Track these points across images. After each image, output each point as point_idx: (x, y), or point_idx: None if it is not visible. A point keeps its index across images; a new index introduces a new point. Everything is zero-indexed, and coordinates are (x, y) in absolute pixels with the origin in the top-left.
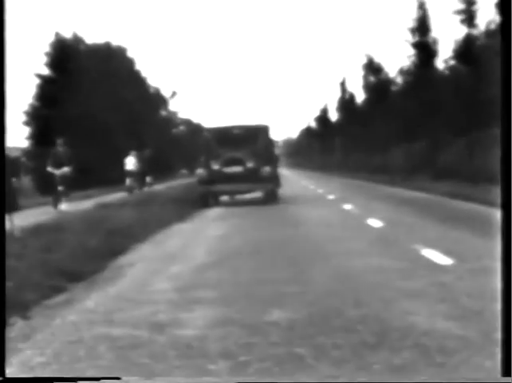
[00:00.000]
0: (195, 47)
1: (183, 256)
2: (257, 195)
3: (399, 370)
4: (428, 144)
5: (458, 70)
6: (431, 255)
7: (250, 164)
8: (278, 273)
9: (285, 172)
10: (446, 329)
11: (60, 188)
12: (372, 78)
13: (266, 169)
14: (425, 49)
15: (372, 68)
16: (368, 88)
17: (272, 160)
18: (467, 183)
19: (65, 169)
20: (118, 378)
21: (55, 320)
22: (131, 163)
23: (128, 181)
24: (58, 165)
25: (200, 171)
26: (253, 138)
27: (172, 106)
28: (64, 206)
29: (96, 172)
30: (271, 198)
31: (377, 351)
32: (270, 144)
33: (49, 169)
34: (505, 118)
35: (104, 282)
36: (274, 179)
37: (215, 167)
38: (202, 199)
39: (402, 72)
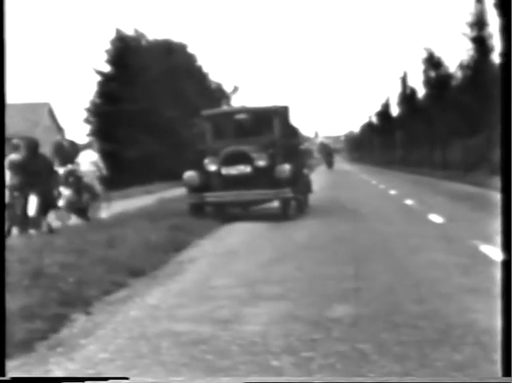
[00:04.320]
0: (259, 43)
1: (247, 252)
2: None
3: (460, 367)
4: (486, 139)
5: None
6: (489, 252)
7: (260, 162)
8: (341, 268)
9: (346, 167)
10: None
11: (84, 195)
12: (432, 73)
13: (284, 168)
14: (483, 43)
15: (432, 62)
16: (429, 82)
17: (294, 156)
18: None
19: (70, 166)
20: (126, 378)
21: (117, 316)
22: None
23: None
24: (64, 162)
25: (190, 173)
26: (266, 124)
27: (234, 101)
28: (103, 213)
29: (159, 168)
30: (290, 210)
31: (439, 348)
32: (293, 132)
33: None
34: (505, 117)
35: (166, 277)
36: (298, 183)
37: (212, 167)
38: (194, 212)
39: (461, 66)
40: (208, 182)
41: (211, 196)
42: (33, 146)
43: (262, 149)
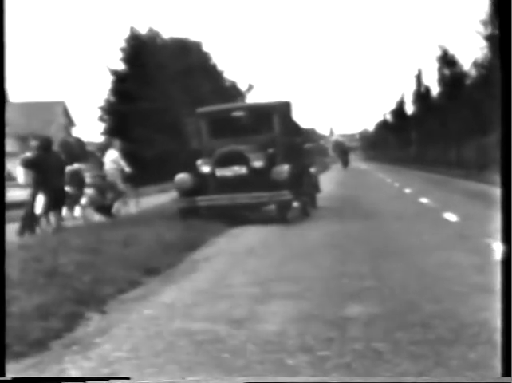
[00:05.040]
0: (274, 41)
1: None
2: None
3: (474, 366)
4: (500, 137)
5: None
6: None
7: (256, 163)
8: (355, 266)
9: (361, 165)
10: None
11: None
12: (446, 71)
13: (282, 169)
14: (496, 42)
15: (447, 60)
16: (443, 81)
17: (297, 155)
18: None
19: (76, 166)
20: (127, 378)
21: (132, 314)
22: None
23: None
24: (71, 160)
25: (181, 176)
26: (265, 122)
27: (249, 99)
28: (132, 208)
29: (174, 166)
30: (290, 213)
31: (454, 346)
32: (295, 129)
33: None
34: (505, 117)
35: (181, 275)
36: (301, 184)
37: (205, 168)
38: (185, 217)
39: (476, 65)
40: (201, 185)
41: (203, 200)
42: (46, 144)
43: (261, 149)
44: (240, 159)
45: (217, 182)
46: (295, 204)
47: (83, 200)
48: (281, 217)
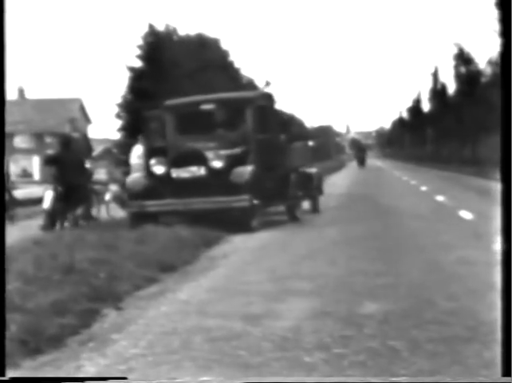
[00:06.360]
0: (291, 39)
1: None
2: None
3: (490, 364)
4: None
5: None
6: None
7: (216, 163)
8: (370, 264)
9: (377, 163)
10: None
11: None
12: (462, 69)
13: (243, 170)
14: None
15: (463, 58)
16: (459, 78)
17: (280, 154)
18: None
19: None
20: (124, 378)
21: (148, 311)
22: None
23: None
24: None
25: (134, 177)
26: (237, 117)
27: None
28: None
29: None
30: (255, 222)
31: (470, 344)
32: (276, 125)
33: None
34: (505, 117)
35: (197, 272)
36: (274, 189)
37: (158, 169)
38: (135, 223)
39: (491, 62)
40: (155, 187)
41: (154, 205)
42: (65, 142)
43: (229, 147)
44: (198, 158)
45: (173, 184)
46: (292, 207)
47: (107, 196)
48: (245, 223)
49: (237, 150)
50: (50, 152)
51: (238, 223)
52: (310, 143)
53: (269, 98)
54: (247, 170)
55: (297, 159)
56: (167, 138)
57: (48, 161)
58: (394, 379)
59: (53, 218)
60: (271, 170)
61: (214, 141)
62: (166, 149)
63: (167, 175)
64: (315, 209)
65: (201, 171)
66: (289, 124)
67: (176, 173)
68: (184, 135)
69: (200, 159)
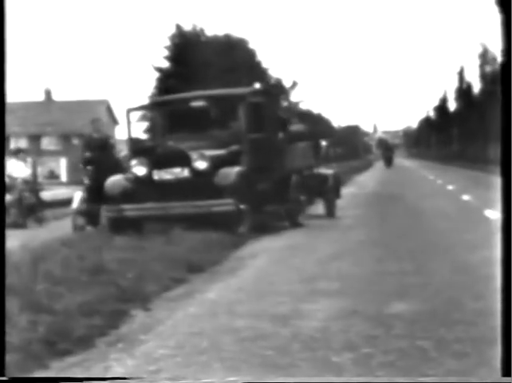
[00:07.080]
0: (318, 39)
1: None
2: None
3: None
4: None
5: None
6: None
7: (199, 164)
8: (398, 264)
9: (404, 163)
10: None
11: None
12: (487, 68)
13: (228, 172)
14: None
15: (488, 57)
16: (484, 78)
17: (278, 155)
18: None
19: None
20: (124, 378)
21: (176, 312)
22: None
23: None
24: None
25: (113, 179)
26: (230, 114)
27: (294, 97)
28: None
29: None
30: (245, 227)
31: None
32: (279, 123)
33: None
34: (505, 117)
35: (225, 273)
36: (282, 191)
37: (139, 170)
38: (114, 229)
39: None
40: (135, 190)
41: (131, 209)
42: (102, 144)
43: (220, 147)
44: (182, 159)
45: (154, 187)
46: (293, 211)
47: None
48: (233, 229)
49: (225, 150)
50: (88, 154)
51: (224, 228)
52: (323, 143)
53: (265, 94)
54: (233, 171)
55: (300, 160)
56: (155, 137)
57: (86, 163)
58: (422, 379)
59: (85, 218)
60: (266, 171)
61: (205, 140)
62: (154, 149)
63: (149, 176)
64: (330, 213)
65: (184, 172)
66: (288, 123)
67: (158, 175)
68: (173, 134)
69: (184, 160)
